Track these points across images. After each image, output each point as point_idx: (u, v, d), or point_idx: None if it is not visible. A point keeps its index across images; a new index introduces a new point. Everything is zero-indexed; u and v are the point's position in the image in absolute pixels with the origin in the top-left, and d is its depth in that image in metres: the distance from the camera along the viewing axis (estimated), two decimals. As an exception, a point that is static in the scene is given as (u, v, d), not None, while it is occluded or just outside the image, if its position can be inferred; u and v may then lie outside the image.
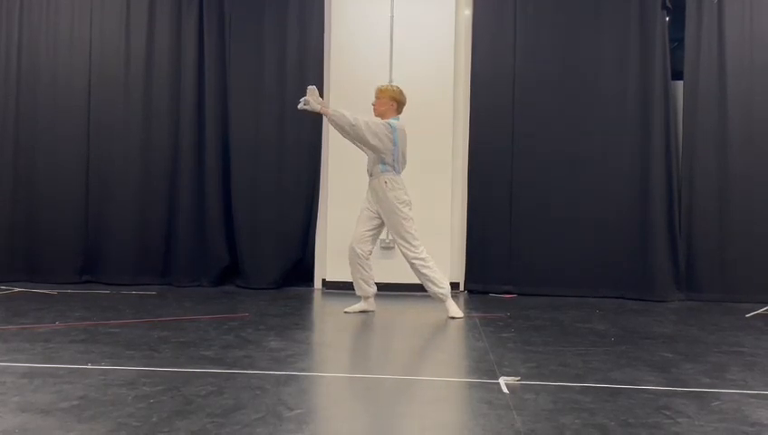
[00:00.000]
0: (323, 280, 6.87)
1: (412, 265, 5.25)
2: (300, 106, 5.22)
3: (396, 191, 5.23)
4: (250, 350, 3.90)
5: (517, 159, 6.76)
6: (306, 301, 6.25)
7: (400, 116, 5.37)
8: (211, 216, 6.96)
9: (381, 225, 5.36)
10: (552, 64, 6.75)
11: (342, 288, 6.62)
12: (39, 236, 7.05)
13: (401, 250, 5.28)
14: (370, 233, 5.34)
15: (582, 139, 6.69)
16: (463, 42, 6.89)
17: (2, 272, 6.92)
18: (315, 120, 6.87)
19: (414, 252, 5.21)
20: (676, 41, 6.85)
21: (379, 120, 5.25)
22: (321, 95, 6.88)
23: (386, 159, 5.20)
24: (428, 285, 5.24)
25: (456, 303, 5.46)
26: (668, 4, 6.65)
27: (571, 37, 6.75)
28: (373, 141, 5.14)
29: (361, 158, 6.56)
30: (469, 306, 5.88)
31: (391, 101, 5.31)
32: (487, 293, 6.67)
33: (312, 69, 6.91)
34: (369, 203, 5.36)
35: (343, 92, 6.68)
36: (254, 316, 5.12)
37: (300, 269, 7.00)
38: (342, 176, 6.76)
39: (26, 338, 4.14)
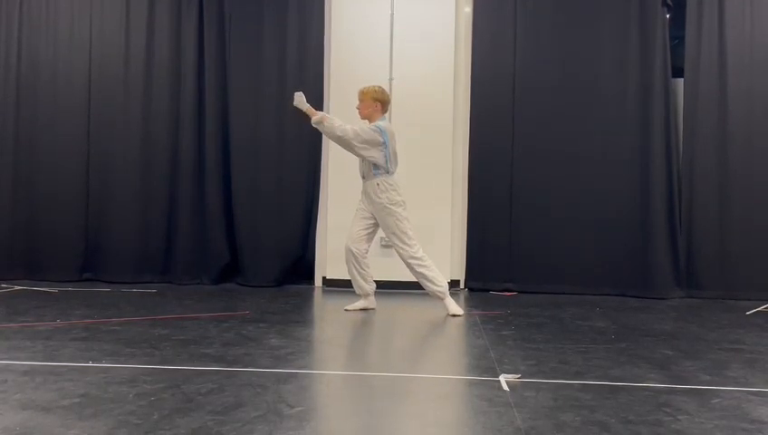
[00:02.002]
0: (323, 278, 6.88)
1: (408, 264, 5.26)
2: (295, 103, 5.28)
3: (388, 193, 5.24)
4: (250, 347, 3.91)
5: (517, 156, 6.76)
6: (306, 299, 6.25)
7: (386, 115, 5.44)
8: (211, 214, 6.96)
9: (376, 224, 5.37)
10: (552, 62, 6.75)
11: (342, 286, 6.63)
12: (39, 234, 7.06)
13: (397, 250, 5.29)
14: (365, 232, 5.34)
15: (583, 136, 6.70)
16: (463, 40, 6.88)
17: (2, 270, 6.93)
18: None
19: (409, 251, 5.21)
20: (677, 38, 6.85)
21: (366, 125, 5.25)
22: (321, 94, 6.93)
23: (378, 161, 5.21)
24: (426, 284, 5.24)
25: (456, 300, 5.46)
26: (669, 2, 6.65)
27: (571, 35, 6.75)
28: (364, 152, 5.19)
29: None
30: (469, 304, 5.88)
31: (375, 102, 5.31)
32: (487, 290, 6.68)
33: (311, 68, 6.92)
34: (364, 204, 5.38)
35: (343, 92, 6.68)
36: (254, 314, 5.12)
37: (300, 267, 7.01)
38: (342, 174, 6.76)
39: (27, 336, 4.15)
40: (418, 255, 5.23)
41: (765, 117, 6.56)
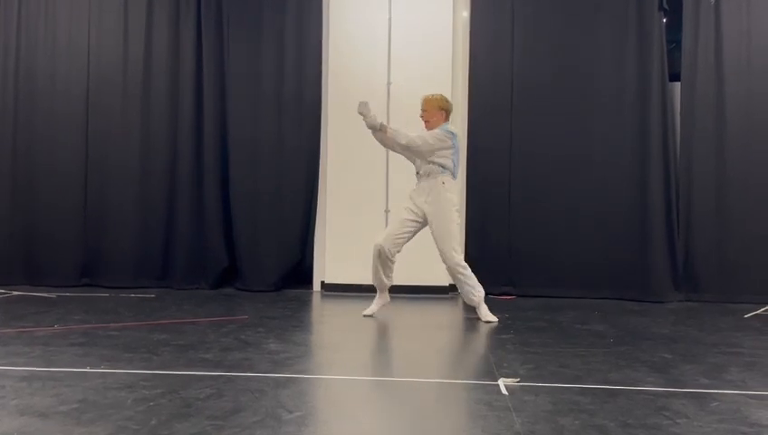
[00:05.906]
0: (322, 282, 6.87)
1: (452, 270, 5.20)
2: (359, 110, 5.16)
3: (451, 193, 5.20)
4: (249, 352, 3.90)
5: (515, 160, 6.77)
6: (305, 303, 6.25)
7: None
8: (210, 218, 6.95)
9: (417, 231, 5.29)
10: (549, 66, 6.76)
11: (341, 290, 6.63)
12: (38, 239, 7.04)
13: (443, 255, 5.19)
14: (404, 237, 5.26)
15: (581, 140, 6.70)
16: (461, 44, 6.89)
17: (1, 275, 6.90)
18: (314, 121, 6.87)
19: (456, 258, 5.17)
20: (674, 42, 6.86)
21: (438, 130, 5.16)
22: (319, 98, 6.93)
23: (447, 164, 5.17)
24: (466, 290, 5.21)
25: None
26: (665, 6, 6.66)
27: (568, 39, 6.76)
28: (434, 157, 5.14)
29: (359, 160, 6.61)
30: (468, 308, 5.87)
31: (440, 111, 5.26)
32: (486, 294, 6.65)
33: (310, 71, 6.91)
34: (415, 205, 5.26)
35: (341, 96, 6.69)
36: (253, 319, 5.12)
37: (299, 271, 7.00)
38: (341, 178, 6.77)
39: (25, 341, 4.14)
40: (463, 263, 5.21)
41: (763, 120, 6.56)
